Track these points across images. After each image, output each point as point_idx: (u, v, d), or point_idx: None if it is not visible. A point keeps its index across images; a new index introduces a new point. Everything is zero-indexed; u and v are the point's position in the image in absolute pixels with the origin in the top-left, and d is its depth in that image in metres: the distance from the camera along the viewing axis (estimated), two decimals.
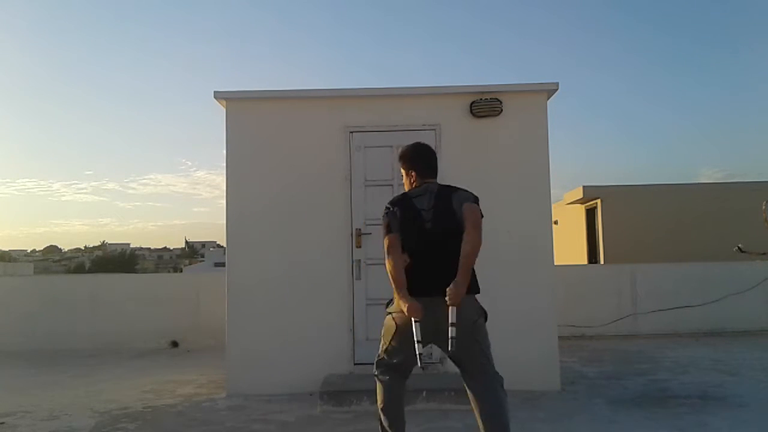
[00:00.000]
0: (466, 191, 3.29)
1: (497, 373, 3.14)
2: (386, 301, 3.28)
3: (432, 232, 3.17)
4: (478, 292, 3.19)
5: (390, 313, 3.20)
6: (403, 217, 3.20)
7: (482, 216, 3.16)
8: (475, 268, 3.13)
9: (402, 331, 3.10)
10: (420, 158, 3.49)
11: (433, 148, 5.39)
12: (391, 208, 3.22)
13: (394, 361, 3.20)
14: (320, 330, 5.34)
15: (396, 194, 3.49)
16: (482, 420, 3.07)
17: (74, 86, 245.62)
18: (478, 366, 3.13)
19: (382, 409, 3.23)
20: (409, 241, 3.15)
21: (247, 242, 5.51)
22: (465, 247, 3.06)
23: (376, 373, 3.26)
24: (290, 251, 5.46)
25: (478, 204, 3.21)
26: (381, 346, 3.25)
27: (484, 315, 3.18)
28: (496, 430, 3.04)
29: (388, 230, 3.16)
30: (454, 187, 3.36)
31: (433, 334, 3.05)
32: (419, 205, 3.24)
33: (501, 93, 5.48)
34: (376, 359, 3.28)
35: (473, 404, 3.12)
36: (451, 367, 5.28)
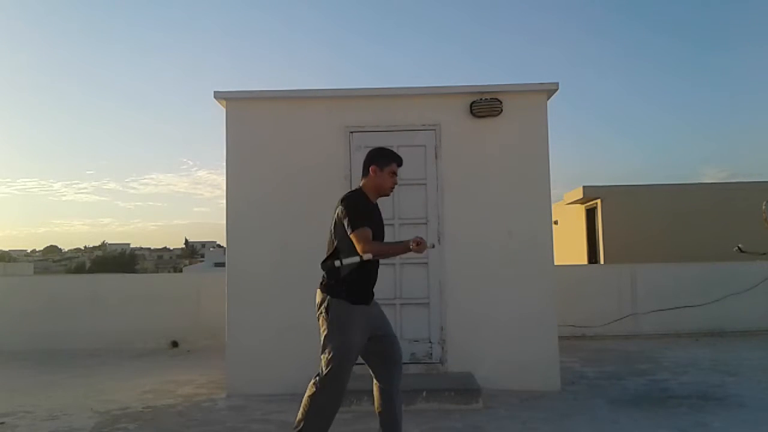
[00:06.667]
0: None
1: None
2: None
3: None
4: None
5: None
6: None
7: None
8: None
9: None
10: None
11: (434, 148, 5.48)
12: None
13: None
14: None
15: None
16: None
17: (75, 86, 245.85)
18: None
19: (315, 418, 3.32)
20: None
21: (246, 242, 5.51)
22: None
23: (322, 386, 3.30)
24: (290, 251, 5.45)
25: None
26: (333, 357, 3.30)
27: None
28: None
29: None
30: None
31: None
32: None
33: (501, 93, 5.48)
34: (325, 376, 3.29)
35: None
36: (451, 367, 5.32)
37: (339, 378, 3.25)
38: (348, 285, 3.32)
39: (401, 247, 3.29)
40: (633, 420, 4.39)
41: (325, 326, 3.30)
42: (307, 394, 3.32)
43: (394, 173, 3.45)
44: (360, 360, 3.38)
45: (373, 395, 3.47)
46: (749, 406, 4.72)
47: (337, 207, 3.40)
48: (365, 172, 3.48)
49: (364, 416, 4.46)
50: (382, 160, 3.45)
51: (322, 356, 3.31)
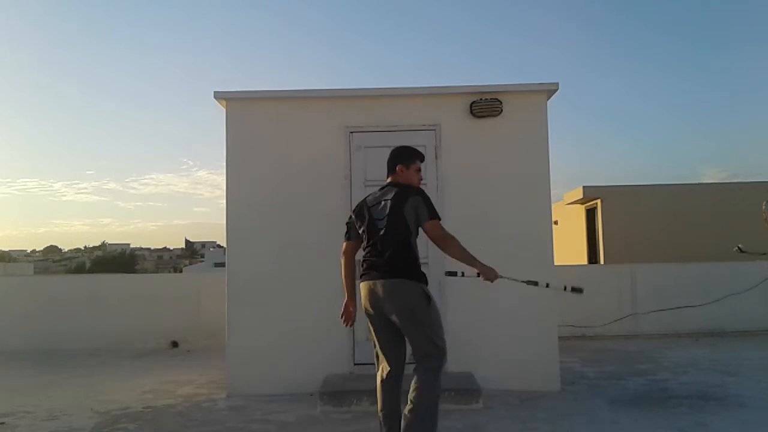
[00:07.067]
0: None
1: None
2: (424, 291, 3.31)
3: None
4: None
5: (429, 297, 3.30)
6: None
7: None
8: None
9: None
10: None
11: (434, 148, 5.48)
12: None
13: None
14: (320, 330, 5.33)
15: None
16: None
17: (75, 86, 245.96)
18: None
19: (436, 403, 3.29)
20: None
21: (246, 242, 5.51)
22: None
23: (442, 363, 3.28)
24: (290, 251, 5.46)
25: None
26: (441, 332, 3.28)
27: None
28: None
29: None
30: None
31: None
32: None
33: (501, 93, 5.48)
34: (442, 351, 3.28)
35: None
36: (451, 367, 5.30)
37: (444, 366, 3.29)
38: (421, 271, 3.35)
39: (476, 261, 3.34)
40: (633, 420, 4.39)
41: (427, 315, 3.26)
42: (417, 388, 3.24)
43: (419, 170, 3.53)
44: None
45: (375, 396, 3.44)
46: (749, 406, 4.71)
47: (409, 198, 3.33)
48: (392, 171, 3.52)
49: (364, 416, 4.46)
50: (407, 158, 3.51)
51: (430, 346, 3.24)
